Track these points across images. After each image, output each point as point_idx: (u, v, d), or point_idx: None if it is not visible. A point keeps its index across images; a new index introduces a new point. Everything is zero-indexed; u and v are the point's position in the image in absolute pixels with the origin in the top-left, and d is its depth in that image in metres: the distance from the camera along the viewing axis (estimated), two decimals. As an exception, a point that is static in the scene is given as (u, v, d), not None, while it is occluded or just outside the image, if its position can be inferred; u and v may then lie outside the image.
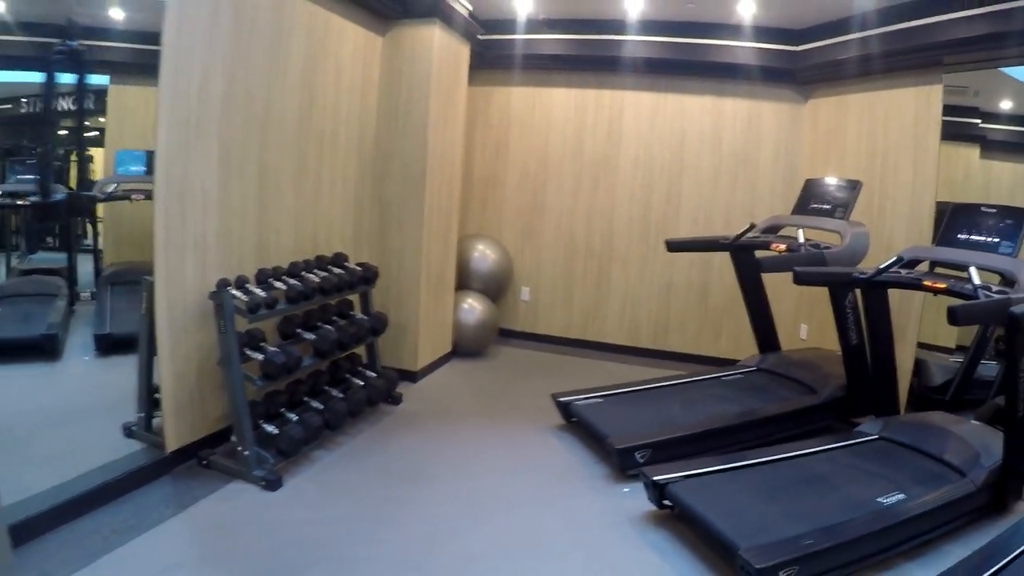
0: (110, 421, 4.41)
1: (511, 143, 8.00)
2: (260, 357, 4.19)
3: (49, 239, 6.17)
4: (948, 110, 6.30)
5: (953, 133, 6.99)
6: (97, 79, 5.15)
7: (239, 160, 4.46)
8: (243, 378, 4.11)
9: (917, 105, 6.09)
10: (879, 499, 3.72)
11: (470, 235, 7.60)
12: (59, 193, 5.30)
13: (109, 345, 5.38)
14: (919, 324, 5.87)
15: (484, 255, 7.49)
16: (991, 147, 7.68)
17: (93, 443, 4.19)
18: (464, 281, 7.30)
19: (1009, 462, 3.98)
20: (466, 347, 7.20)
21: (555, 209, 7.94)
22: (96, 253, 6.05)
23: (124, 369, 4.40)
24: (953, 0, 5.44)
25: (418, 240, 6.08)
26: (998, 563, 3.03)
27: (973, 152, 7.61)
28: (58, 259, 6.01)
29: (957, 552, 3.55)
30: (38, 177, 5.11)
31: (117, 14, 4.98)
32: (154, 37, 3.81)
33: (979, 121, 7.56)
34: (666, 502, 3.86)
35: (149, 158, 6.09)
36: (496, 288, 7.63)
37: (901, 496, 3.76)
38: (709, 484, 3.83)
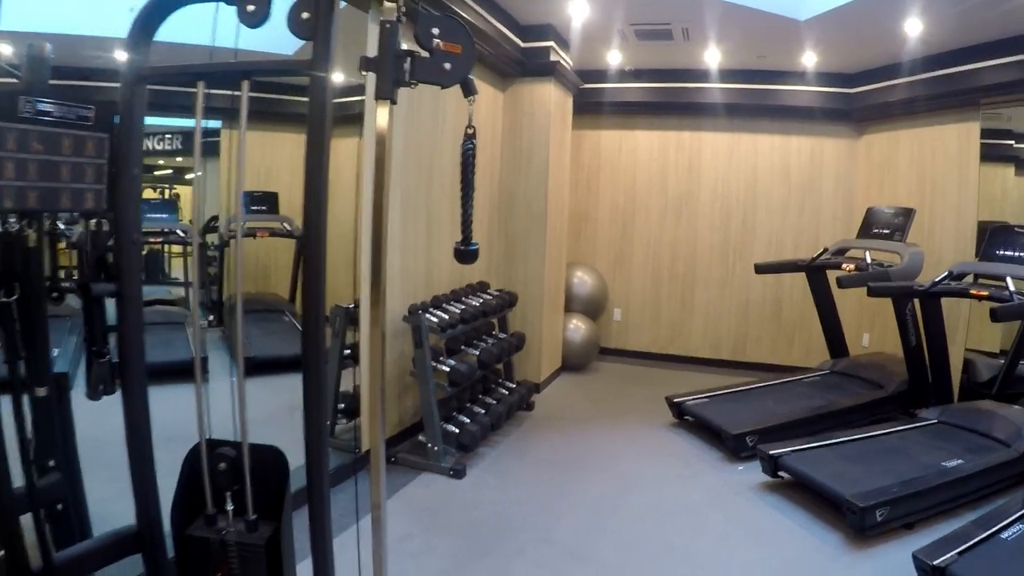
0: (286, 430, 5.13)
1: (601, 181, 9.12)
2: (447, 368, 5.29)
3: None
4: (985, 133, 7.31)
5: (990, 154, 7.92)
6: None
7: (413, 206, 5.53)
8: (435, 385, 5.20)
9: (959, 139, 7.16)
10: (943, 463, 4.75)
11: (569, 263, 8.61)
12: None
13: (252, 367, 6.02)
14: (967, 328, 6.89)
15: (583, 280, 8.59)
16: (1025, 165, 8.55)
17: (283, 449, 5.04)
18: (567, 304, 8.38)
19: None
20: (572, 362, 8.31)
21: (643, 239, 9.04)
22: (218, 285, 6.94)
23: (273, 387, 4.72)
24: (989, 49, 6.50)
25: (540, 269, 7.20)
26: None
27: (1009, 171, 8.37)
28: (154, 291, 6.84)
29: (1007, 503, 4.54)
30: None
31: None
32: (266, 85, 4.54)
33: (1013, 142, 8.39)
34: (780, 473, 4.95)
35: (266, 198, 7.10)
36: (594, 310, 8.72)
37: (960, 462, 4.78)
38: (812, 456, 4.91)
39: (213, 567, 2.65)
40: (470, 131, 2.77)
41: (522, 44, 6.92)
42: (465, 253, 2.96)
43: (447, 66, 2.49)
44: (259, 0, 2.36)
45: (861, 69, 7.89)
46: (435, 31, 2.44)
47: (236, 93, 2.43)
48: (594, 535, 4.33)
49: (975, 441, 5.19)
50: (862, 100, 8.02)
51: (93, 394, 2.62)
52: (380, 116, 2.47)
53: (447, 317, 5.37)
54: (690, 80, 8.43)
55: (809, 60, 7.57)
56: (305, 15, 2.33)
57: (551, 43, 6.96)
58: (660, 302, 9.07)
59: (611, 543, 4.24)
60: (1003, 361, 6.91)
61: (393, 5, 2.34)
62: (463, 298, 5.98)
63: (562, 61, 7.20)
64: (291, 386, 2.71)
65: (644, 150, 8.99)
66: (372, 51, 2.44)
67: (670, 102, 8.61)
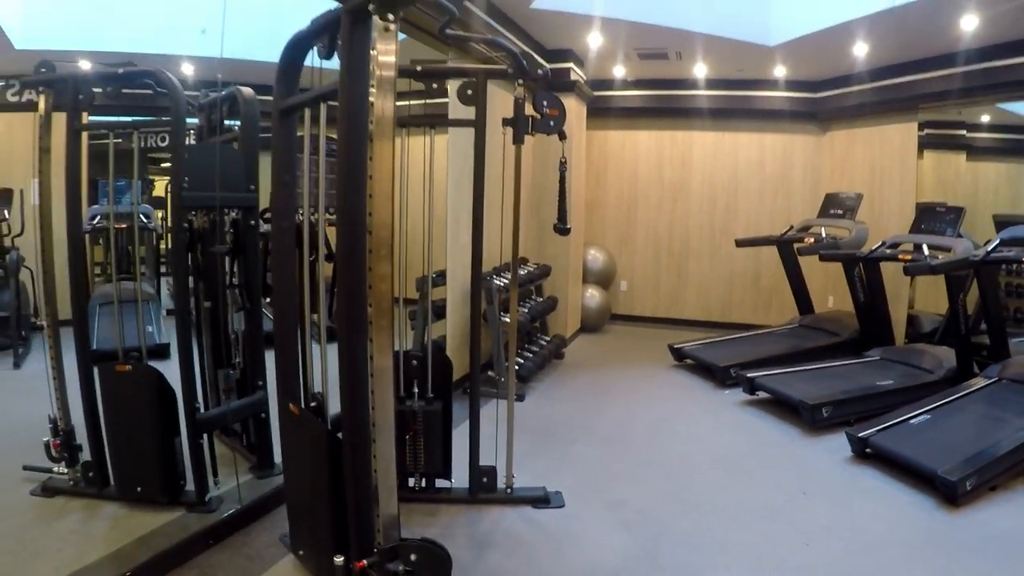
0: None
1: (609, 174, 10.84)
2: (509, 320, 6.96)
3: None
4: (938, 124, 9.02)
5: (945, 143, 9.59)
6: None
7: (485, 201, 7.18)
8: (502, 332, 6.86)
9: (901, 136, 8.89)
10: (878, 383, 6.48)
11: (584, 243, 10.26)
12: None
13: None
14: (911, 290, 8.62)
15: (596, 257, 10.32)
16: (976, 152, 10.14)
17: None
18: (584, 277, 10.08)
19: (960, 364, 6.74)
20: (589, 324, 10.07)
21: (644, 221, 10.78)
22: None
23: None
24: (924, 64, 8.22)
25: (567, 248, 8.86)
26: (939, 401, 5.84)
27: (961, 157, 10.08)
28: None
29: (921, 407, 6.30)
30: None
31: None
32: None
33: (965, 132, 10.03)
34: (756, 392, 6.73)
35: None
36: (605, 281, 10.44)
37: (891, 382, 6.51)
38: (779, 377, 6.70)
39: (407, 428, 4.38)
40: (563, 160, 4.50)
41: (547, 65, 8.52)
42: (563, 230, 4.85)
43: (551, 123, 4.27)
44: (438, 82, 4.07)
45: (823, 78, 9.61)
46: (545, 103, 4.22)
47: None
48: (624, 430, 6.09)
49: (906, 370, 6.88)
50: (825, 104, 9.77)
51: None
52: (516, 153, 4.26)
53: (508, 281, 7.07)
54: (681, 88, 10.12)
55: (780, 72, 9.31)
56: (469, 92, 4.08)
57: (571, 64, 8.62)
58: (659, 274, 10.81)
59: (636, 434, 6.02)
60: (943, 316, 8.62)
61: (522, 89, 4.11)
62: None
63: (580, 78, 8.87)
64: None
65: (644, 147, 10.70)
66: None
67: (665, 107, 10.33)
